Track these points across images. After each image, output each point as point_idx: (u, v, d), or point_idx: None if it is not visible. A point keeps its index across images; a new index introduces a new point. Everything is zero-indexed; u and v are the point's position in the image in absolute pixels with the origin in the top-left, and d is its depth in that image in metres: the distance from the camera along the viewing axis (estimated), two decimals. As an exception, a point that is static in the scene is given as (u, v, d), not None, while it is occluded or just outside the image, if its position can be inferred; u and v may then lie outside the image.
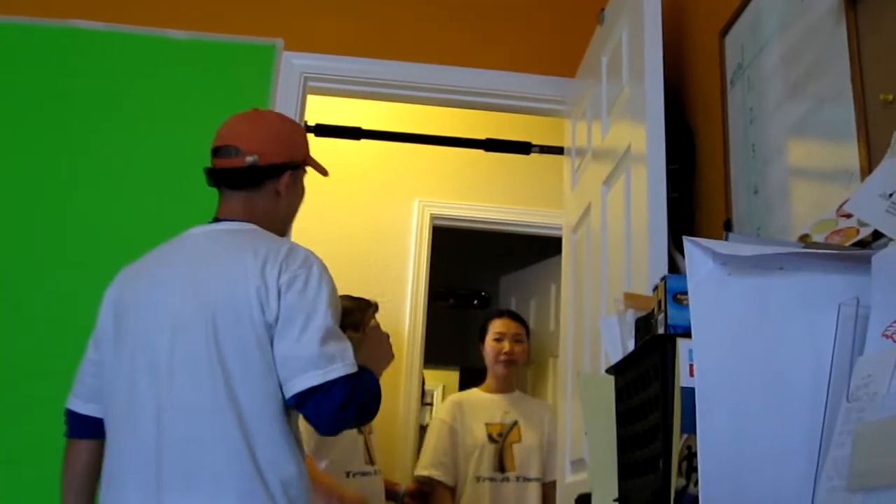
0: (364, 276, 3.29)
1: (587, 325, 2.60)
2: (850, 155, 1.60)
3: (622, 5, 2.52)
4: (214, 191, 2.92)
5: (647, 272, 2.08)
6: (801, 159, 1.86)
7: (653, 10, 2.28)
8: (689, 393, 1.19)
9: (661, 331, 1.35)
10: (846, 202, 1.50)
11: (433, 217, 4.41)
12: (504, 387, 3.72)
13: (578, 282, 2.80)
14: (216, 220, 2.02)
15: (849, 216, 1.51)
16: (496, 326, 3.78)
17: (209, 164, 2.94)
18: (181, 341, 1.82)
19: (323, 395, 1.78)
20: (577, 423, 2.57)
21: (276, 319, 1.81)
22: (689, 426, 1.18)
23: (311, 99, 3.20)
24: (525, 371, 4.34)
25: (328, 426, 1.84)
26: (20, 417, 2.70)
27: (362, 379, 1.84)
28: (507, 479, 3.45)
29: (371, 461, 3.24)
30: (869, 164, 1.54)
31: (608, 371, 1.58)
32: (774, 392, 1.16)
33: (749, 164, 2.07)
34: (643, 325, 1.49)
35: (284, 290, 1.82)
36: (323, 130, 3.16)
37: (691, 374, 1.19)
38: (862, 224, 1.47)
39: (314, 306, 1.83)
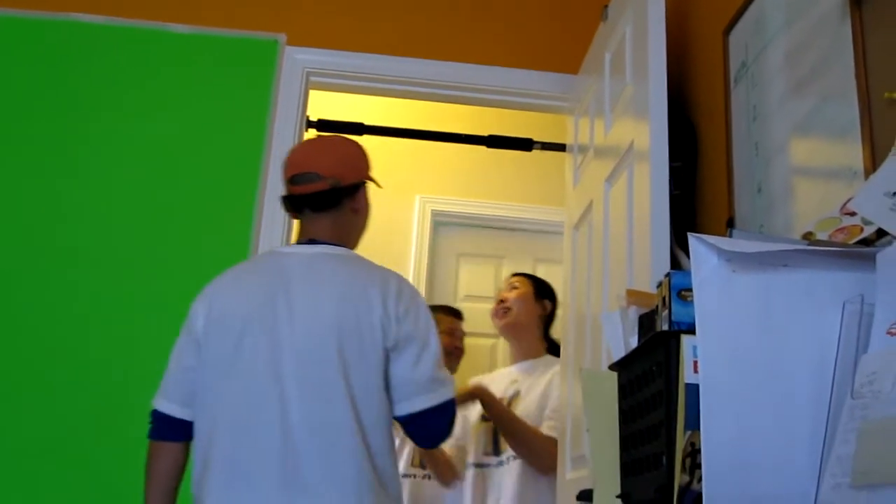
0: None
1: (588, 321, 2.59)
2: (854, 153, 1.60)
3: (626, 2, 2.51)
4: (216, 184, 2.96)
5: (649, 269, 2.08)
6: (804, 157, 1.86)
7: (657, 7, 2.28)
8: (693, 389, 1.19)
9: (664, 327, 1.35)
10: (850, 200, 1.50)
11: (434, 213, 4.41)
12: (516, 350, 3.27)
13: (580, 279, 2.80)
14: (310, 241, 2.14)
15: (853, 214, 1.51)
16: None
17: (213, 159, 2.99)
18: (309, 363, 1.95)
19: (437, 414, 2.03)
20: (578, 420, 2.57)
21: (395, 346, 2.00)
22: (693, 423, 1.18)
23: (313, 94, 3.20)
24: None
25: (436, 441, 2.15)
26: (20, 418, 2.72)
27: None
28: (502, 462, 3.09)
29: (421, 465, 3.16)
30: (873, 162, 1.54)
31: (611, 367, 1.58)
32: (779, 389, 1.16)
33: (752, 161, 2.07)
34: (646, 322, 1.49)
35: (402, 319, 2.01)
36: (325, 126, 3.16)
37: (695, 371, 1.19)
38: (866, 222, 1.47)
39: (427, 335, 2.05)
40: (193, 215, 2.96)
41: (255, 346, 1.97)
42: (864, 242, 1.45)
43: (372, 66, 3.14)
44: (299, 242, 2.17)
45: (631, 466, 1.45)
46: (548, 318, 3.28)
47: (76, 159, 2.97)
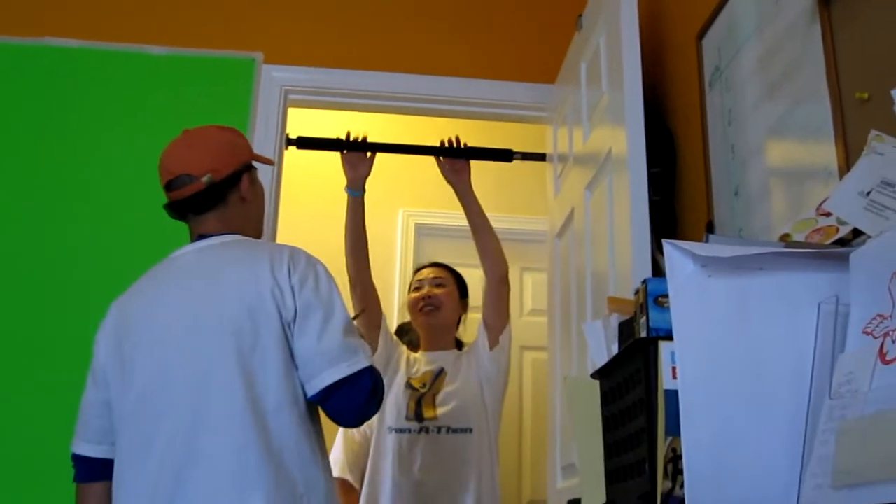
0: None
1: (574, 330, 2.60)
2: (828, 154, 1.61)
3: (599, 11, 2.53)
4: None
5: (630, 276, 2.08)
6: (780, 159, 1.87)
7: (629, 15, 2.29)
8: (672, 395, 1.19)
9: (643, 334, 1.35)
10: (825, 201, 1.51)
11: (418, 226, 4.41)
12: (435, 342, 3.13)
13: (564, 287, 2.81)
14: (200, 237, 2.02)
15: (828, 214, 1.52)
16: (415, 278, 3.27)
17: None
18: (199, 355, 1.82)
19: (351, 386, 1.83)
20: (567, 428, 2.57)
21: (294, 317, 1.84)
22: (674, 429, 1.18)
23: (292, 112, 3.19)
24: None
25: (356, 417, 1.91)
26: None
27: (377, 371, 1.92)
28: (427, 430, 2.94)
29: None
30: (847, 162, 1.55)
31: (592, 376, 1.58)
32: (757, 392, 1.16)
33: (729, 165, 2.08)
34: (626, 329, 1.49)
35: (298, 289, 1.86)
36: (305, 143, 3.16)
37: (674, 377, 1.19)
38: (841, 222, 1.48)
39: (330, 302, 1.89)
40: (175, 236, 2.93)
41: (147, 362, 1.86)
42: (841, 242, 1.46)
43: (350, 81, 3.14)
44: (192, 242, 2.04)
45: (615, 474, 1.45)
46: (461, 318, 3.25)
47: (56, 183, 2.95)
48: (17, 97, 3.02)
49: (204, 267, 1.95)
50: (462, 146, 3.11)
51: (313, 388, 1.83)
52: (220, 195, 2.01)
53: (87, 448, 1.95)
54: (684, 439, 1.14)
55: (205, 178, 1.98)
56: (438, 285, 3.15)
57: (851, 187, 1.43)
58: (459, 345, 3.21)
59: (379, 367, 2.96)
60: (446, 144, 3.11)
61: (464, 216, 3.12)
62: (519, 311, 4.66)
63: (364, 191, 3.06)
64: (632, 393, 1.34)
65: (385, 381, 2.98)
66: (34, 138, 2.99)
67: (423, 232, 4.48)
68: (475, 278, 3.21)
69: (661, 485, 1.22)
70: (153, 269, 2.04)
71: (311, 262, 1.95)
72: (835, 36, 1.62)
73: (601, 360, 1.70)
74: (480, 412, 2.96)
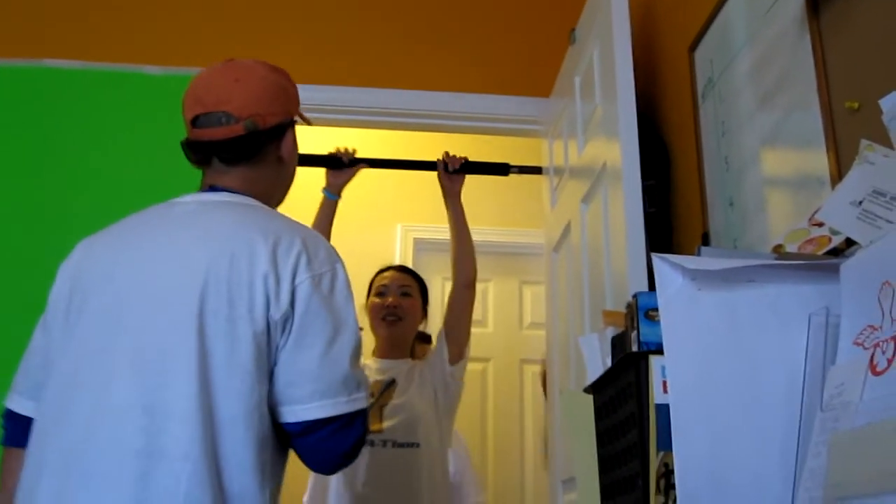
0: (350, 303, 3.28)
1: (571, 343, 2.59)
2: (820, 163, 1.61)
3: (592, 25, 2.53)
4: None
5: (626, 289, 2.08)
6: (773, 170, 1.87)
7: (622, 28, 2.29)
8: (664, 410, 1.19)
9: (634, 348, 1.35)
10: (818, 211, 1.51)
11: (416, 241, 4.42)
12: (390, 351, 3.01)
13: (562, 300, 2.80)
14: (211, 188, 1.69)
15: (821, 225, 1.52)
16: (379, 281, 3.12)
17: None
18: (154, 327, 1.46)
19: (342, 427, 1.50)
20: (567, 442, 2.56)
21: (287, 322, 1.49)
22: (666, 443, 1.18)
23: (288, 129, 3.20)
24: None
25: (333, 464, 1.58)
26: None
27: None
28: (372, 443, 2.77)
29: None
30: (839, 171, 1.55)
31: (585, 390, 1.58)
32: (749, 405, 1.16)
33: (723, 176, 2.08)
34: (618, 343, 1.49)
35: (306, 289, 1.51)
36: (303, 160, 3.15)
37: (665, 391, 1.19)
38: (834, 232, 1.47)
39: (344, 316, 1.54)
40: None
41: (96, 310, 1.51)
42: (834, 252, 1.45)
43: (346, 98, 3.15)
44: (200, 191, 1.71)
45: (610, 489, 1.44)
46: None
47: (55, 204, 2.96)
48: (15, 119, 3.03)
49: (198, 226, 1.58)
50: (458, 160, 3.09)
51: (294, 416, 1.48)
52: (259, 147, 1.69)
53: (20, 403, 1.61)
54: (676, 454, 1.13)
55: (247, 122, 1.64)
56: (405, 294, 3.05)
57: (843, 197, 1.43)
58: (412, 353, 3.11)
59: None
60: (449, 156, 3.07)
61: None
62: (518, 324, 4.68)
63: (340, 196, 3.01)
64: (624, 407, 1.33)
65: None
66: (33, 160, 2.99)
67: (421, 247, 4.49)
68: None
69: (655, 500, 1.21)
70: (145, 211, 1.70)
71: (332, 257, 1.59)
72: (824, 46, 1.63)
73: (597, 373, 1.69)
74: (430, 426, 2.87)
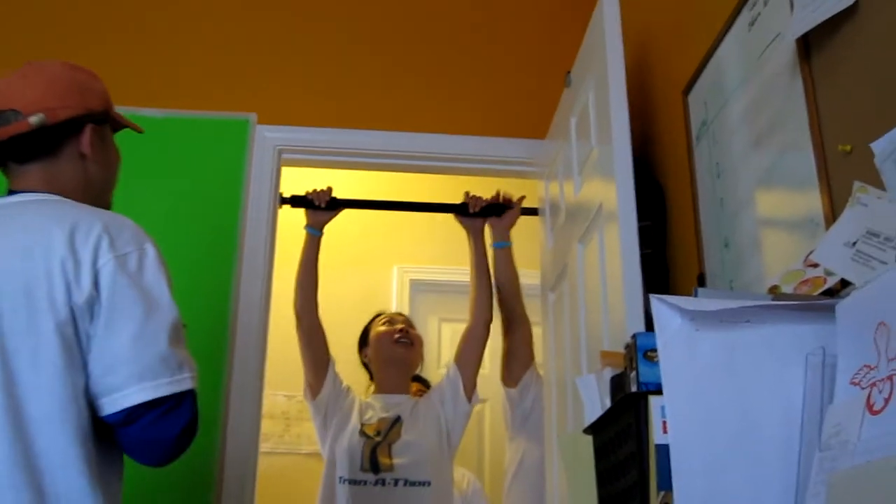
0: (347, 342, 3.28)
1: (569, 384, 2.59)
2: (814, 204, 1.63)
3: (587, 67, 2.56)
4: (194, 262, 2.95)
5: (623, 329, 2.09)
6: (768, 211, 1.89)
7: (617, 71, 2.32)
8: (663, 450, 1.19)
9: (633, 389, 1.35)
10: (812, 252, 1.53)
11: (412, 282, 4.43)
12: (391, 386, 3.07)
13: (559, 340, 2.81)
14: (10, 192, 1.63)
15: (816, 266, 1.53)
16: (381, 318, 3.22)
17: (189, 239, 2.98)
18: None
19: (168, 410, 1.41)
20: (563, 484, 2.55)
21: (93, 305, 1.42)
22: (666, 483, 1.18)
23: (286, 171, 3.22)
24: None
25: (162, 453, 1.46)
26: None
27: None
28: (383, 482, 2.82)
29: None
30: (833, 212, 1.57)
31: (585, 431, 1.58)
32: (748, 445, 1.16)
33: (718, 217, 2.10)
34: (617, 384, 1.50)
35: (109, 269, 1.44)
36: (299, 201, 3.18)
37: (665, 431, 1.19)
38: (829, 273, 1.49)
39: (156, 294, 1.46)
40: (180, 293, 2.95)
41: None
42: (829, 293, 1.47)
43: (342, 140, 3.18)
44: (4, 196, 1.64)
45: (610, 530, 1.44)
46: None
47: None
48: None
49: None
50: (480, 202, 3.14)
51: (114, 405, 1.40)
52: (51, 143, 1.62)
53: None
54: (676, 494, 1.14)
55: (34, 119, 1.58)
56: (411, 325, 3.19)
57: (837, 238, 1.45)
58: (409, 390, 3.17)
59: (321, 410, 2.95)
60: (469, 196, 3.16)
61: (458, 271, 3.15)
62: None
63: (322, 233, 3.07)
64: (623, 448, 1.34)
65: (334, 428, 2.92)
66: None
67: (417, 288, 4.50)
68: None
69: (655, 540, 1.21)
70: None
71: (140, 237, 1.52)
72: (817, 89, 1.65)
73: (595, 414, 1.70)
74: (439, 463, 2.90)
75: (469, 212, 3.12)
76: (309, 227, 3.06)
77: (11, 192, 1.62)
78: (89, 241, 1.45)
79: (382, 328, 3.14)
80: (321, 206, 3.05)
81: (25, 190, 1.61)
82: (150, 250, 1.51)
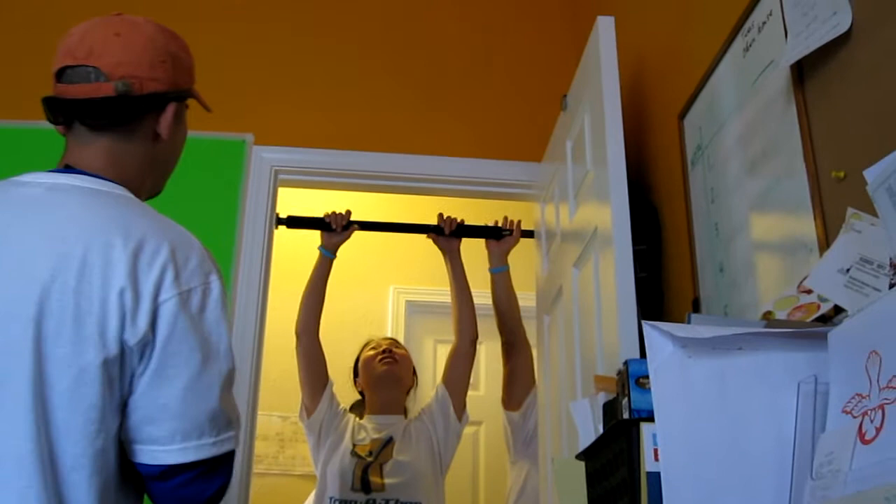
0: (343, 364, 3.28)
1: (563, 408, 2.58)
2: (808, 230, 1.63)
3: (583, 92, 2.57)
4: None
5: (618, 353, 2.08)
6: (762, 236, 1.89)
7: (612, 95, 2.33)
8: (655, 478, 1.19)
9: (625, 415, 1.35)
10: (806, 278, 1.53)
11: (408, 303, 4.43)
12: (385, 407, 3.09)
13: (553, 364, 2.80)
14: (66, 168, 1.42)
15: (810, 292, 1.53)
16: (369, 345, 3.25)
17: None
18: None
19: (207, 472, 1.29)
20: (557, 508, 2.54)
21: (147, 348, 1.25)
22: (658, 511, 1.18)
23: (282, 192, 3.23)
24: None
25: None
26: None
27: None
28: (374, 502, 2.84)
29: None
30: (826, 238, 1.57)
31: (577, 457, 1.57)
32: (740, 473, 1.16)
33: (713, 242, 2.10)
34: (609, 410, 1.49)
35: (171, 309, 1.26)
36: (295, 222, 3.19)
37: (656, 459, 1.19)
38: (823, 299, 1.49)
39: (215, 340, 1.31)
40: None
41: None
42: (823, 319, 1.47)
43: (338, 161, 3.19)
44: (52, 171, 1.42)
45: (603, 557, 1.43)
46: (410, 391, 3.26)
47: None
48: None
49: (43, 219, 1.29)
50: (454, 223, 3.17)
51: (151, 457, 1.26)
52: (129, 116, 1.43)
53: None
54: (667, 522, 1.13)
55: (118, 84, 1.39)
56: (397, 346, 3.22)
57: (831, 264, 1.44)
58: (405, 412, 3.18)
59: (315, 430, 2.95)
60: (443, 218, 3.17)
61: None
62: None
63: (335, 255, 3.09)
64: (615, 474, 1.33)
65: (327, 449, 2.92)
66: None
67: (413, 309, 4.50)
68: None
69: (646, 569, 1.20)
70: None
71: (206, 267, 1.33)
72: (810, 115, 1.66)
73: (589, 439, 1.69)
74: (430, 485, 2.92)
75: (445, 233, 3.15)
76: (323, 247, 3.07)
77: (67, 169, 1.41)
78: (153, 269, 1.26)
79: (369, 353, 3.18)
80: (335, 229, 3.07)
81: (84, 170, 1.39)
82: (215, 286, 1.33)
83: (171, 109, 1.49)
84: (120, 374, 1.24)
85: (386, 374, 3.11)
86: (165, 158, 1.53)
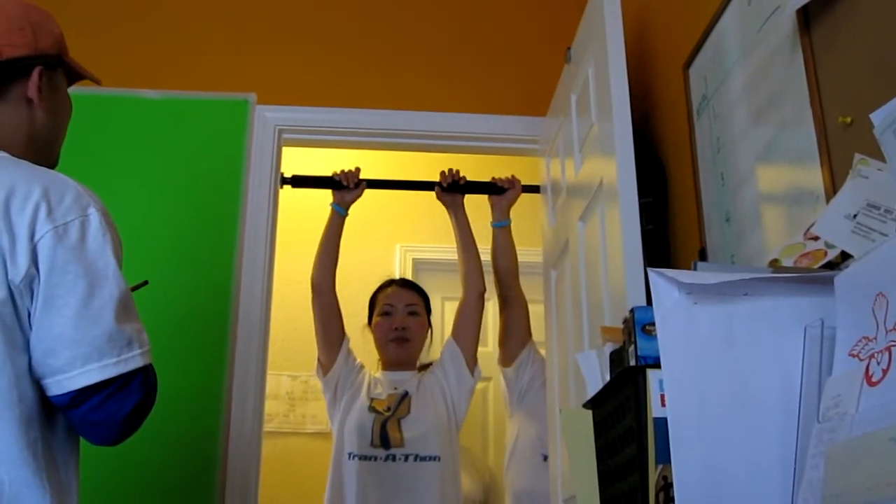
0: (350, 323, 3.29)
1: (571, 361, 2.59)
2: (814, 178, 1.62)
3: (587, 43, 2.55)
4: (195, 244, 2.96)
5: (625, 305, 2.08)
6: (768, 185, 1.88)
7: (616, 46, 2.31)
8: (662, 423, 1.19)
9: (631, 363, 1.35)
10: (813, 225, 1.52)
11: (415, 261, 4.43)
12: (396, 364, 3.10)
13: (561, 318, 2.81)
14: None
15: (816, 238, 1.53)
16: (384, 298, 3.19)
17: (191, 221, 2.98)
18: None
19: (116, 391, 1.34)
20: (565, 460, 2.56)
21: (32, 282, 1.32)
22: (664, 456, 1.18)
23: (287, 151, 3.22)
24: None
25: (112, 434, 1.39)
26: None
27: (154, 372, 1.41)
28: (394, 458, 2.85)
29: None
30: (833, 185, 1.56)
31: (584, 406, 1.58)
32: (746, 418, 1.16)
33: (719, 192, 2.09)
34: (616, 358, 1.50)
35: (48, 243, 1.32)
36: (300, 181, 3.18)
37: (663, 405, 1.19)
38: (829, 246, 1.48)
39: (101, 266, 1.36)
40: (174, 276, 2.96)
41: None
42: (829, 265, 1.46)
43: (342, 119, 3.17)
44: None
45: (610, 503, 1.44)
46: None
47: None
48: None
49: None
50: (458, 179, 3.15)
51: (59, 387, 1.32)
52: None
53: None
54: (675, 467, 1.13)
55: None
56: (412, 313, 3.15)
57: (838, 211, 1.44)
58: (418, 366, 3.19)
59: (332, 387, 2.98)
60: (445, 174, 3.15)
61: None
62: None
63: (348, 212, 3.10)
64: (622, 422, 1.34)
65: (344, 404, 2.95)
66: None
67: (421, 267, 4.50)
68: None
69: (654, 513, 1.21)
70: None
71: (83, 201, 1.40)
72: (816, 62, 1.64)
73: (596, 389, 1.70)
74: (446, 438, 2.93)
75: (444, 187, 3.14)
76: (335, 204, 3.07)
77: None
78: (26, 210, 1.33)
79: (381, 318, 3.13)
80: (347, 186, 3.06)
81: None
82: (94, 216, 1.39)
83: (36, 73, 1.54)
84: (15, 315, 1.31)
85: (397, 355, 3.09)
86: (47, 126, 1.57)
